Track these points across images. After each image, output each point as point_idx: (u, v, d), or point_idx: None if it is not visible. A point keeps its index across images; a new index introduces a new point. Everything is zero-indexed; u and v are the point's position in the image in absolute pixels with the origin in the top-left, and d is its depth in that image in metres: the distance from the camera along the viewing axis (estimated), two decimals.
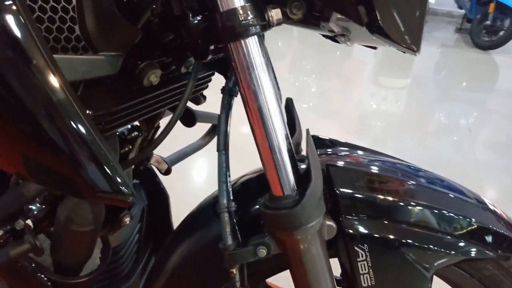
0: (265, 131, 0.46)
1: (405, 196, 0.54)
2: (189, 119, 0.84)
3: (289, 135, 0.49)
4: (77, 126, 0.44)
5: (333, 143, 0.68)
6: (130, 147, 0.77)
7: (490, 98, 3.70)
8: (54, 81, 0.43)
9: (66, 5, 0.48)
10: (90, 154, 0.44)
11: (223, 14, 0.42)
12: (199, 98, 0.80)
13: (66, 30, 0.49)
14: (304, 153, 0.70)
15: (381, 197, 0.53)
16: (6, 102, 0.43)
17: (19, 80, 0.42)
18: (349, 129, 2.86)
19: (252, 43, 0.43)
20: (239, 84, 0.46)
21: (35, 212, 0.70)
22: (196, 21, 0.48)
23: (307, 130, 0.55)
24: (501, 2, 4.50)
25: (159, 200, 0.98)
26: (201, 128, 0.96)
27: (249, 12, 0.42)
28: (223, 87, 0.58)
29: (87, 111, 0.51)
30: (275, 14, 0.46)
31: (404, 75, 4.11)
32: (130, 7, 0.53)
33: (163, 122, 0.86)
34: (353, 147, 0.67)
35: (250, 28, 0.42)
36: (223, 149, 0.55)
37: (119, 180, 0.46)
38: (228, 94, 0.57)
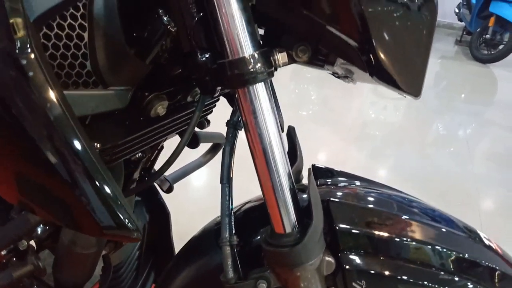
0: (268, 171, 0.48)
1: (401, 232, 0.56)
2: (193, 141, 0.86)
3: (291, 173, 0.51)
4: (84, 162, 0.44)
5: (332, 173, 0.69)
6: (134, 167, 0.79)
7: (489, 110, 3.73)
8: (63, 117, 0.43)
9: (78, 42, 0.50)
10: (96, 190, 0.45)
11: (232, 62, 0.44)
12: (203, 123, 0.82)
13: (77, 66, 0.50)
14: (304, 181, 0.71)
15: (378, 233, 0.54)
16: (15, 136, 0.44)
17: (28, 115, 0.43)
18: (348, 137, 2.88)
19: (259, 89, 0.45)
20: (244, 126, 0.48)
21: (39, 233, 0.71)
22: (204, 58, 0.50)
23: (309, 170, 0.57)
24: (501, 16, 4.54)
25: (160, 217, 0.99)
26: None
27: (257, 60, 0.44)
28: (228, 120, 0.59)
29: (95, 144, 0.52)
30: (281, 57, 0.48)
31: None
32: (140, 43, 0.54)
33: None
34: (351, 177, 0.69)
35: (258, 75, 0.44)
36: (227, 182, 0.56)
37: (125, 216, 0.47)
38: (233, 128, 0.58)
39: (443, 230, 0.59)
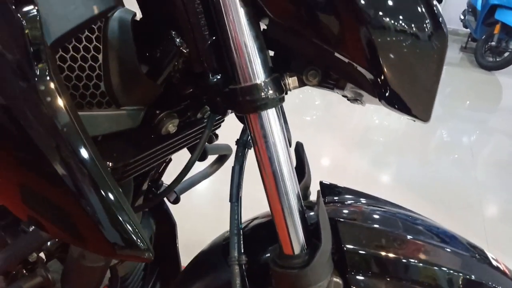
0: (278, 194, 0.49)
1: (408, 253, 0.56)
2: (201, 154, 0.87)
3: (300, 194, 0.51)
4: (96, 182, 0.45)
5: (339, 190, 0.70)
6: (142, 179, 0.80)
7: (493, 117, 3.73)
8: (77, 138, 0.44)
9: (93, 63, 0.51)
10: (108, 210, 0.46)
11: (244, 89, 0.45)
12: (211, 137, 0.82)
13: (92, 87, 0.51)
14: (312, 197, 0.72)
15: (386, 254, 0.55)
16: (30, 156, 0.45)
17: (44, 136, 0.44)
18: (351, 143, 2.89)
19: (270, 114, 0.46)
20: (254, 148, 0.48)
21: (48, 245, 0.72)
22: (215, 80, 0.50)
23: (318, 192, 0.57)
24: (507, 23, 4.54)
25: (166, 227, 1.00)
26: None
27: (269, 87, 0.44)
28: (237, 139, 0.60)
29: (107, 163, 0.53)
30: (292, 82, 0.48)
31: None
32: (152, 63, 0.55)
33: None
34: (358, 194, 0.70)
35: (270, 102, 0.44)
36: (236, 200, 0.57)
37: (136, 236, 0.47)
38: (242, 147, 0.59)
39: (449, 250, 0.59)
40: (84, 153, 0.44)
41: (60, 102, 0.42)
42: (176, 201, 1.00)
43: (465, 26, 5.69)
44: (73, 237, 0.49)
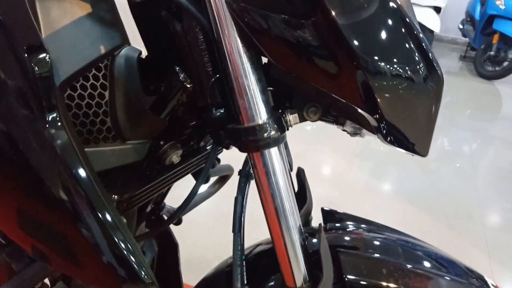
0: (280, 228, 0.50)
1: (408, 282, 0.57)
2: None
3: (302, 229, 0.52)
4: (101, 217, 0.46)
5: (340, 216, 0.71)
6: (146, 203, 0.81)
7: (493, 126, 3.74)
8: (83, 175, 0.45)
9: (99, 100, 0.52)
10: (112, 245, 0.46)
11: (246, 129, 0.46)
12: (214, 162, 0.84)
13: (98, 123, 0.53)
14: (313, 223, 0.73)
15: (386, 284, 0.56)
16: (37, 191, 0.46)
17: (50, 172, 0.45)
18: (352, 153, 2.90)
19: (272, 153, 0.47)
20: (257, 184, 0.50)
21: (53, 272, 0.73)
22: (219, 114, 0.52)
23: (320, 225, 0.58)
24: (505, 34, 4.57)
25: (169, 249, 1.01)
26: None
27: (270, 127, 0.46)
28: (240, 170, 0.62)
29: (113, 196, 0.54)
30: (293, 119, 0.50)
31: None
32: (157, 97, 0.57)
33: None
34: (359, 221, 0.71)
35: (271, 141, 0.46)
36: (239, 231, 0.58)
37: (140, 270, 0.48)
38: (245, 178, 0.60)
39: (448, 278, 0.60)
40: (89, 189, 0.46)
41: (68, 141, 0.44)
42: (178, 222, 1.01)
43: (464, 36, 5.72)
44: (75, 270, 0.50)
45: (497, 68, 4.85)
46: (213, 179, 1.07)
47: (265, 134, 0.45)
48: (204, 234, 1.98)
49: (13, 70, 0.42)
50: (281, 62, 0.42)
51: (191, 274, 1.17)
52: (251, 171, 0.61)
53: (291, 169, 0.78)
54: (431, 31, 4.77)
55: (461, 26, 5.73)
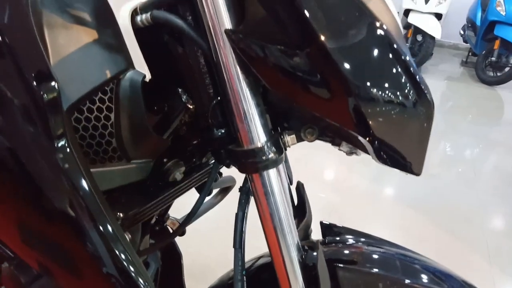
0: (279, 246, 0.52)
1: None
2: None
3: (300, 246, 0.54)
4: (107, 236, 0.48)
5: (339, 229, 0.72)
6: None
7: (495, 132, 3.75)
8: (90, 196, 0.47)
9: (105, 122, 0.54)
10: (117, 264, 0.48)
11: (245, 152, 0.48)
12: (216, 176, 0.86)
13: (104, 144, 0.55)
14: (313, 236, 0.75)
15: None
16: (44, 211, 0.48)
17: (57, 193, 0.47)
18: (354, 158, 2.91)
19: (271, 174, 0.49)
20: (256, 204, 0.52)
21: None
22: (220, 133, 0.54)
23: (317, 241, 0.60)
24: (506, 39, 4.58)
25: (172, 260, 1.02)
26: None
27: (269, 150, 0.48)
28: (240, 186, 0.63)
29: (118, 214, 0.56)
30: (290, 140, 0.52)
31: None
32: (161, 118, 0.59)
33: None
34: (357, 234, 0.72)
35: (270, 163, 0.48)
36: (239, 247, 0.60)
37: (140, 279, 0.50)
38: (245, 194, 0.62)
39: None
40: (95, 209, 0.47)
41: (75, 164, 0.46)
42: (182, 233, 1.03)
43: (465, 41, 5.74)
44: (79, 286, 0.52)
45: (498, 74, 4.86)
46: (215, 190, 1.09)
47: (264, 157, 0.47)
48: (207, 242, 2.00)
49: (22, 96, 0.44)
50: (277, 88, 0.44)
51: (194, 281, 1.19)
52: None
53: (291, 183, 0.80)
54: (432, 37, 4.79)
55: (462, 32, 5.75)
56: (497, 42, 4.73)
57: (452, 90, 4.81)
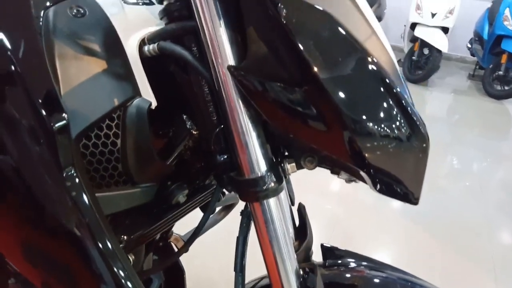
0: (278, 271, 0.53)
1: None
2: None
3: (299, 271, 0.55)
4: (109, 260, 0.50)
5: (341, 254, 0.73)
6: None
7: (502, 146, 3.72)
8: (93, 219, 0.49)
9: (112, 148, 0.56)
10: (120, 285, 0.50)
11: (246, 181, 0.49)
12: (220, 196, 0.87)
13: (110, 169, 0.56)
14: (314, 257, 0.76)
15: None
16: (50, 234, 0.50)
17: (62, 217, 0.49)
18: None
19: (271, 202, 0.50)
20: (256, 231, 0.53)
21: None
22: (222, 159, 0.55)
23: (318, 264, 0.61)
24: None
25: (175, 276, 1.03)
26: None
27: (269, 179, 0.49)
28: (242, 210, 0.65)
29: (122, 237, 0.58)
30: (290, 168, 0.53)
31: None
32: (165, 143, 0.61)
33: None
34: (359, 258, 0.73)
35: (270, 192, 0.49)
36: (240, 270, 0.61)
37: None
38: (246, 218, 0.64)
39: None
40: (98, 233, 0.49)
41: (81, 191, 0.48)
42: (185, 251, 1.04)
43: (472, 54, 5.74)
44: None
45: (506, 88, 4.84)
46: (218, 207, 1.10)
47: (264, 186, 0.49)
48: (211, 254, 2.00)
49: (33, 126, 0.46)
50: (276, 122, 0.46)
51: None
52: None
53: (292, 204, 0.81)
54: (439, 51, 4.80)
55: (469, 45, 5.75)
56: (504, 56, 4.73)
57: (459, 103, 4.80)
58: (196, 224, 1.08)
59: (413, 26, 5.02)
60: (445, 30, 4.92)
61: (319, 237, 2.17)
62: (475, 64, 5.83)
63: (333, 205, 2.45)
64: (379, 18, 5.89)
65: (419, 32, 4.88)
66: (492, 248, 2.21)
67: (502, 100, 4.89)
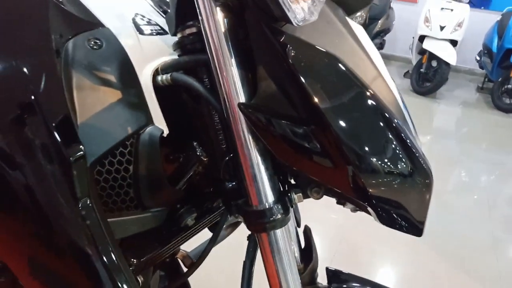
0: None
1: None
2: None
3: None
4: (120, 284, 0.51)
5: (345, 279, 0.74)
6: None
7: (510, 160, 3.69)
8: (105, 245, 0.51)
9: (125, 174, 0.58)
10: None
11: (254, 212, 0.51)
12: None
13: (122, 194, 0.58)
14: (319, 280, 0.77)
15: None
16: (61, 254, 0.52)
17: (76, 240, 0.50)
18: None
19: (278, 233, 0.52)
20: (263, 259, 0.54)
21: None
22: (231, 185, 0.57)
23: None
24: None
25: None
26: None
27: (276, 211, 0.51)
28: (249, 235, 0.66)
29: (132, 260, 0.60)
30: (297, 198, 0.55)
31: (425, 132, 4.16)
32: (175, 169, 0.63)
33: None
34: (364, 282, 0.74)
35: (277, 224, 0.51)
36: None
37: None
38: (253, 242, 0.65)
39: None
40: (109, 257, 0.51)
41: (95, 218, 0.50)
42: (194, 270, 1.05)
43: (481, 67, 5.71)
44: None
45: None
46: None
47: (272, 218, 0.50)
48: (217, 266, 2.01)
49: (50, 156, 0.48)
50: (283, 157, 0.48)
51: None
52: None
53: (298, 226, 0.82)
54: (447, 64, 4.79)
55: (478, 58, 5.73)
56: None
57: (467, 116, 4.77)
58: (199, 236, 1.09)
59: (422, 38, 5.02)
60: (453, 43, 4.92)
61: (324, 249, 2.17)
62: (484, 77, 5.80)
63: (339, 216, 2.44)
64: (388, 30, 5.90)
65: (427, 45, 4.88)
66: (499, 266, 2.19)
67: (511, 113, 4.85)
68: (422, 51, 5.03)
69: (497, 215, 2.71)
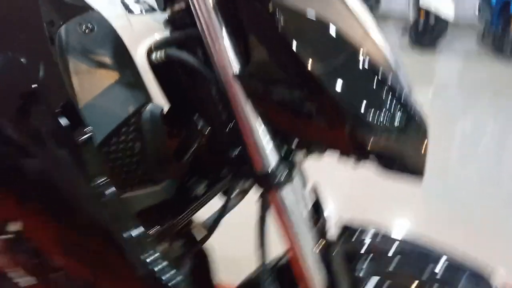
0: (296, 252, 0.57)
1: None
2: None
3: (316, 250, 0.59)
4: (143, 251, 0.55)
5: (357, 229, 0.77)
6: None
7: None
8: (125, 216, 0.54)
9: (131, 152, 0.60)
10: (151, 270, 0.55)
11: (259, 175, 0.53)
12: None
13: (133, 171, 0.61)
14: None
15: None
16: (86, 233, 0.55)
17: (94, 217, 0.54)
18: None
19: (286, 189, 0.54)
20: (275, 217, 0.57)
21: None
22: (235, 153, 0.59)
23: (334, 241, 0.65)
24: None
25: (201, 260, 1.09)
26: None
27: (281, 169, 0.53)
28: (260, 195, 0.69)
29: (151, 229, 0.63)
30: (301, 155, 0.57)
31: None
32: (179, 143, 0.65)
33: None
34: (376, 231, 0.76)
35: (282, 182, 0.53)
36: (262, 246, 0.65)
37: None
38: (263, 202, 0.67)
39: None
40: (130, 227, 0.54)
41: (111, 195, 0.52)
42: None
43: (480, 20, 5.60)
44: None
45: None
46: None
47: (277, 178, 0.53)
48: (231, 236, 2.04)
49: (60, 141, 0.50)
50: (281, 124, 0.51)
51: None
52: None
53: (305, 186, 0.85)
54: (445, 19, 4.72)
55: (477, 11, 5.61)
56: None
57: (468, 69, 4.72)
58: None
59: None
60: None
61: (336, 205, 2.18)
62: (483, 29, 5.68)
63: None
64: None
65: (424, 2, 4.79)
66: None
67: None
68: (419, 8, 4.93)
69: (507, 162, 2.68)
